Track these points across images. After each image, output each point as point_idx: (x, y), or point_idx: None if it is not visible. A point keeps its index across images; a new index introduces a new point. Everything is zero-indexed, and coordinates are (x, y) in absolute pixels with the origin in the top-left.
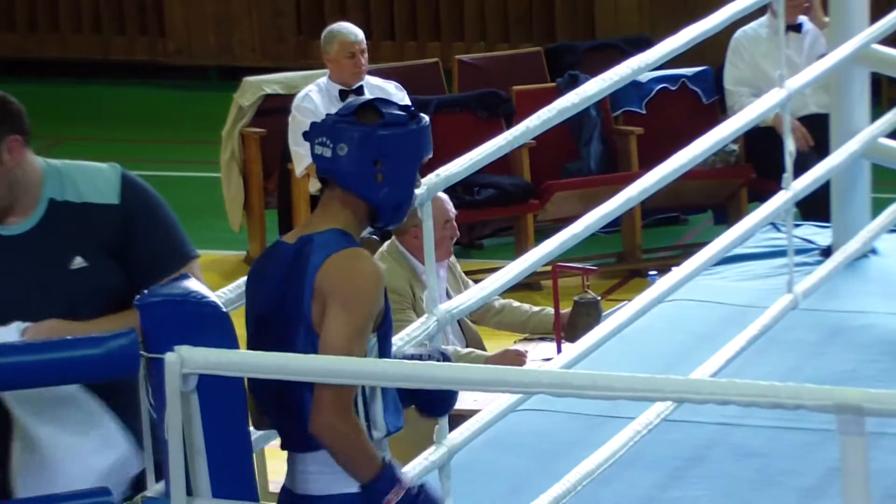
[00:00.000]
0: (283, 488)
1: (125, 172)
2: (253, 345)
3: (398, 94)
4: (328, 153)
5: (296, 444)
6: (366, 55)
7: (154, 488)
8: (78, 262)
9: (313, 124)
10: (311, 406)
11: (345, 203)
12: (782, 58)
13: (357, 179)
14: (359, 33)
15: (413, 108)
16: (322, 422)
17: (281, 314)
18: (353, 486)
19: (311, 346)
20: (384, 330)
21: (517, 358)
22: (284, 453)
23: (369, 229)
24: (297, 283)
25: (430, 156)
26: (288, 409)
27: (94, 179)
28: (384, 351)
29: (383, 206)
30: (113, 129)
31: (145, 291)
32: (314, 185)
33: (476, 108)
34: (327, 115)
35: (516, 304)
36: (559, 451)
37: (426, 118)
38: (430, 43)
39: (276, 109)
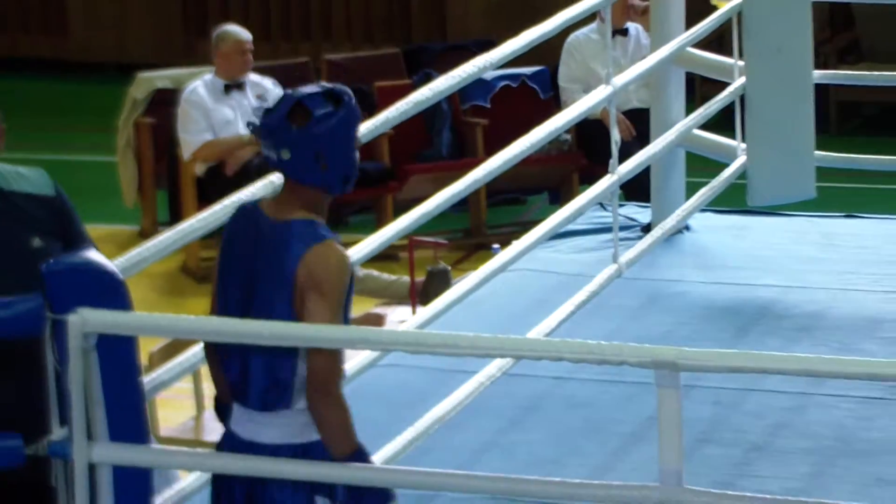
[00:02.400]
0: (227, 434)
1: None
2: (228, 301)
3: (275, 90)
4: (274, 156)
5: (254, 403)
6: (250, 52)
7: (58, 433)
8: (37, 242)
9: (257, 129)
10: (308, 377)
11: (303, 191)
12: (609, 59)
13: (305, 174)
14: (248, 34)
15: (335, 90)
16: (319, 389)
17: (262, 288)
18: (295, 440)
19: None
20: (346, 305)
21: (377, 319)
22: (174, 403)
23: None
24: (279, 268)
25: (360, 121)
26: (254, 374)
27: (30, 177)
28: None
29: (333, 184)
30: (20, 118)
31: (50, 260)
32: (200, 168)
33: None
34: (263, 119)
35: (376, 273)
36: (413, 402)
37: (350, 96)
38: (301, 44)
39: (165, 102)
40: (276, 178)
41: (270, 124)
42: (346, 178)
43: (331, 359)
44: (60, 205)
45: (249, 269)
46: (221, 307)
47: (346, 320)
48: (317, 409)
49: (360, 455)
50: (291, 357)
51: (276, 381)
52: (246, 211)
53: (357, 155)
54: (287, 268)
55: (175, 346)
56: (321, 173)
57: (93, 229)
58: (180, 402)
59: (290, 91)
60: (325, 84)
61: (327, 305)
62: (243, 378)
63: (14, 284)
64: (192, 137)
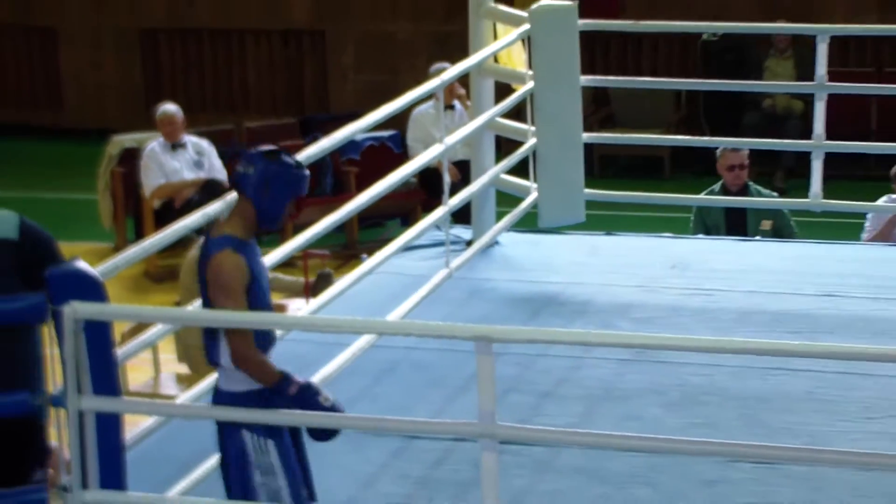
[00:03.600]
0: (214, 387)
1: (23, 218)
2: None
3: (209, 148)
4: (241, 170)
5: (211, 360)
6: (183, 123)
7: (56, 390)
8: None
9: (240, 153)
10: (230, 352)
11: (243, 209)
12: (442, 126)
13: (254, 189)
14: (174, 109)
15: (298, 162)
16: (237, 357)
17: (203, 291)
18: (246, 387)
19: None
20: (251, 295)
21: (281, 308)
22: (138, 368)
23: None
24: (203, 270)
25: (304, 194)
26: (206, 343)
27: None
28: (255, 307)
29: (264, 213)
30: (30, 169)
31: (52, 267)
32: (156, 203)
33: None
34: (250, 150)
35: (281, 275)
36: (307, 365)
37: (307, 172)
38: (227, 115)
39: (131, 157)
40: (212, 208)
41: (253, 155)
42: (273, 219)
43: (240, 336)
44: (20, 246)
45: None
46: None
47: (253, 307)
48: (243, 370)
49: (285, 382)
50: (218, 334)
51: (210, 348)
52: (205, 239)
53: (285, 211)
54: (202, 271)
55: (139, 328)
56: (263, 197)
57: (81, 245)
58: (143, 367)
59: (264, 147)
60: (280, 149)
61: (222, 294)
62: (205, 347)
63: None
64: (150, 182)
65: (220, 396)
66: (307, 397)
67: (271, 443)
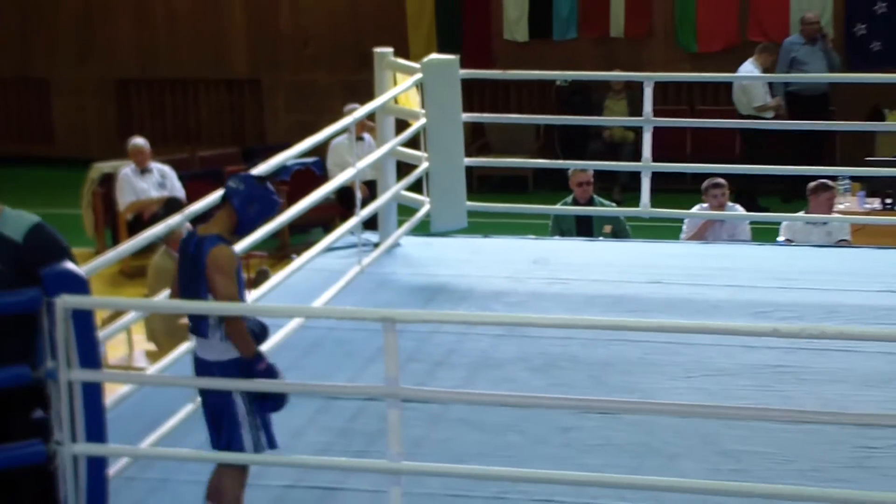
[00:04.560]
0: (194, 355)
1: (38, 222)
2: (180, 287)
3: (170, 173)
4: (234, 185)
5: (200, 332)
6: (149, 153)
7: (50, 364)
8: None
9: (236, 175)
10: (227, 322)
11: (228, 215)
12: (354, 153)
13: (240, 202)
14: (141, 142)
15: (276, 192)
16: (231, 330)
17: (192, 278)
18: (228, 356)
19: (206, 292)
20: (238, 278)
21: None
22: (115, 346)
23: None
24: (200, 262)
25: (273, 216)
26: (195, 321)
27: (10, 222)
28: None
29: (243, 223)
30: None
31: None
32: (128, 216)
33: (210, 178)
34: (233, 175)
35: None
36: None
37: (280, 201)
38: (184, 146)
39: (109, 180)
40: (173, 220)
41: (245, 177)
42: (249, 229)
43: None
44: (21, 248)
45: (189, 267)
46: (180, 289)
47: (240, 290)
48: (234, 341)
49: (259, 356)
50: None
51: (200, 325)
52: (186, 237)
53: (258, 226)
54: (202, 261)
55: (116, 315)
56: (246, 210)
57: (73, 250)
58: (119, 346)
59: (254, 172)
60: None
61: (221, 280)
62: (192, 322)
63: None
64: (124, 200)
65: (204, 364)
66: (273, 373)
67: (255, 405)
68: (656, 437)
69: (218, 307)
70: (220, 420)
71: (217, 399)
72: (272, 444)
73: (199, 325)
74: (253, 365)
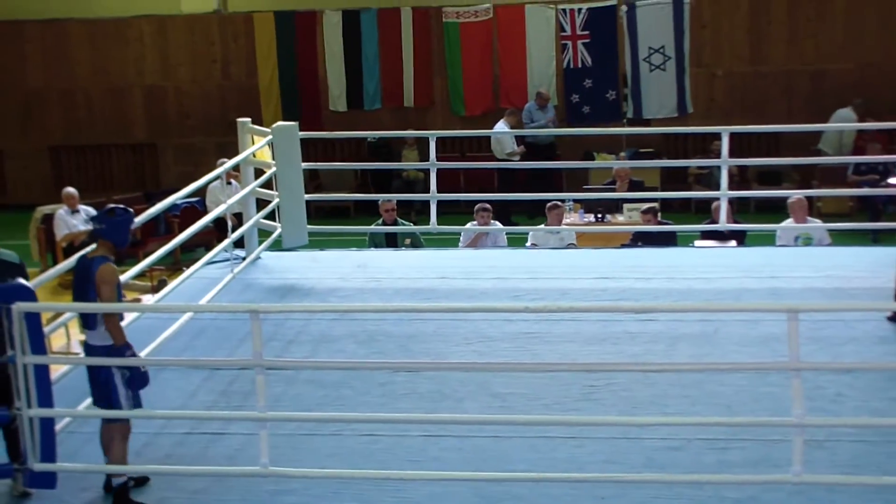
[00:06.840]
0: (84, 342)
1: None
2: (75, 297)
3: (94, 213)
4: (97, 226)
5: (89, 326)
6: (77, 199)
7: (10, 352)
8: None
9: (94, 217)
10: (106, 319)
11: (103, 243)
12: (226, 194)
13: (109, 236)
14: (71, 191)
15: (121, 209)
16: (109, 324)
17: (83, 287)
18: (108, 342)
19: (95, 297)
20: (118, 288)
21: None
22: (56, 338)
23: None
24: (89, 278)
25: (132, 225)
26: (85, 318)
27: (7, 253)
28: (119, 296)
29: (117, 243)
30: None
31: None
32: (64, 244)
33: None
34: (99, 215)
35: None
36: (151, 332)
37: (129, 212)
38: (103, 193)
39: (49, 219)
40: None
41: (101, 215)
42: (124, 243)
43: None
44: (10, 267)
45: (80, 280)
46: (75, 296)
47: (119, 297)
48: (111, 332)
49: (127, 345)
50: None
51: (89, 320)
52: (81, 258)
53: (129, 237)
54: (91, 277)
55: (56, 316)
56: (115, 235)
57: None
58: (59, 338)
59: (107, 207)
60: (117, 206)
61: (106, 290)
62: (83, 318)
63: None
64: (60, 233)
65: (91, 348)
66: (137, 358)
67: (126, 374)
68: (447, 386)
69: (106, 307)
70: (104, 388)
71: (102, 371)
72: (138, 405)
73: (88, 319)
74: (123, 351)
